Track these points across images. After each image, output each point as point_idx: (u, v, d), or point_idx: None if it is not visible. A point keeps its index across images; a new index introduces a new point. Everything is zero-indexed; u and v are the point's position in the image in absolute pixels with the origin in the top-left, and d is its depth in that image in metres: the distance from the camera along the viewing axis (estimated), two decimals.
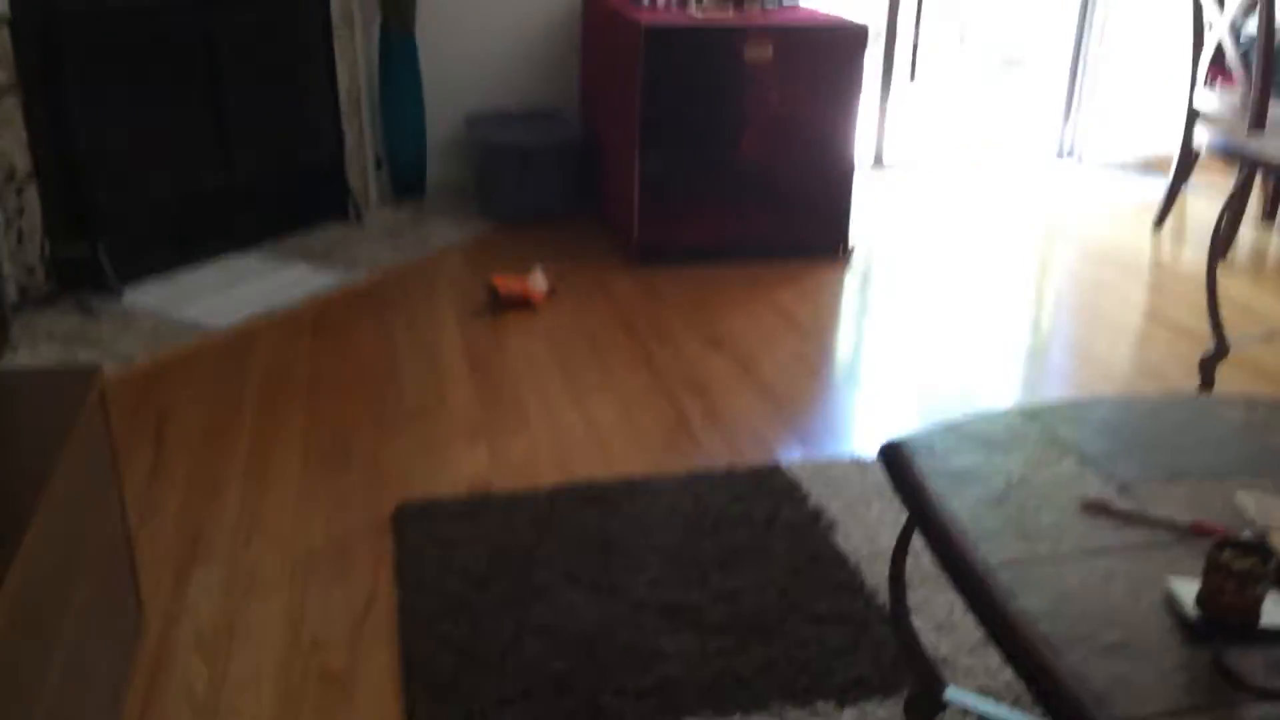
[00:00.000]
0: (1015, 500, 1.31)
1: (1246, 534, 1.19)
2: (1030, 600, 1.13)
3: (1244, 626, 1.06)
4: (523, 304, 3.22)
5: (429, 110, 4.11)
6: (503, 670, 1.77)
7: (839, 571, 2.04)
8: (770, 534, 2.15)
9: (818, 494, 2.29)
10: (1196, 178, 4.13)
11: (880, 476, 2.35)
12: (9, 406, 1.59)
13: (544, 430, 2.57)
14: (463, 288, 3.39)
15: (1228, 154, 2.78)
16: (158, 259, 3.40)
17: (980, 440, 1.45)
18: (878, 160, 4.72)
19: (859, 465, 2.41)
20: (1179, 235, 4.03)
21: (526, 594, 1.96)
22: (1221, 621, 1.07)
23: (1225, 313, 2.75)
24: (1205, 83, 3.76)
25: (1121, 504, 1.30)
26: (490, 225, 3.93)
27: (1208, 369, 2.67)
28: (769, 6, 3.53)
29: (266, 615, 1.93)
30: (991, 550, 1.21)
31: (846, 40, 3.45)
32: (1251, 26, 3.61)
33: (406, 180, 4.16)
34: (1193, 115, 3.85)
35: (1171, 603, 1.13)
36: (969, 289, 3.48)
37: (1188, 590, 1.12)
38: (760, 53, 3.38)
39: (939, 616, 1.90)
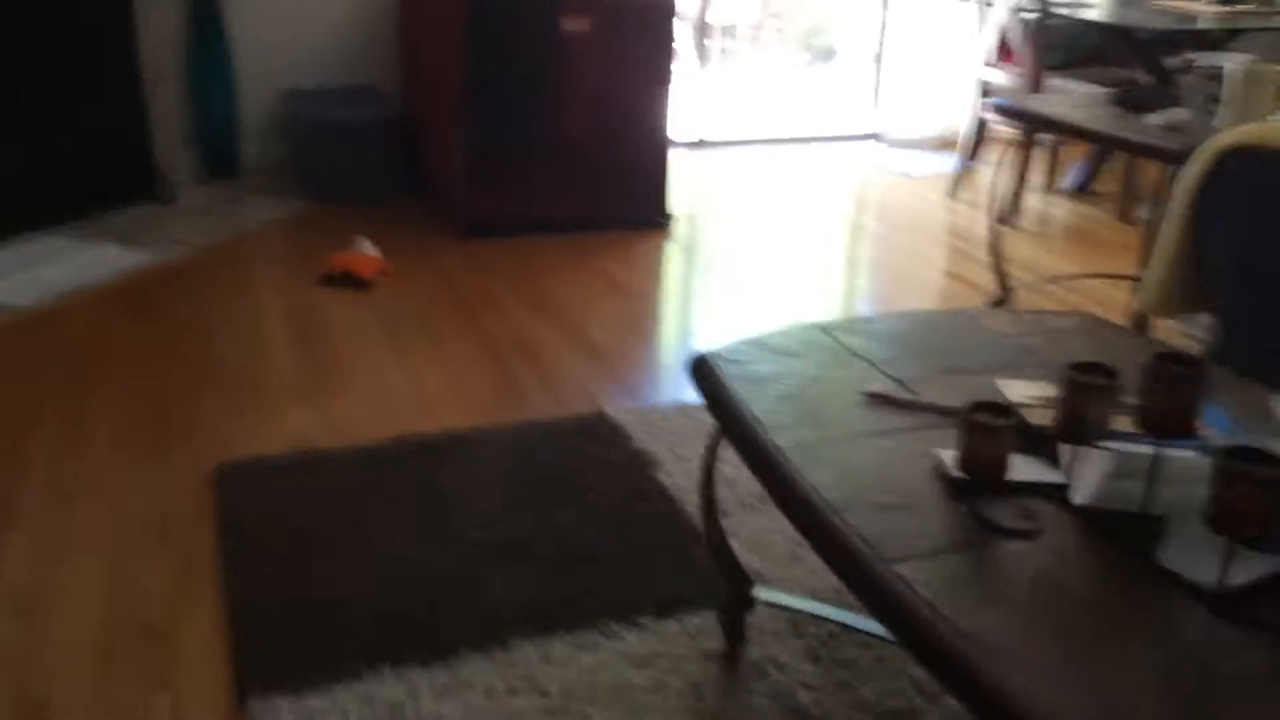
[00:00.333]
0: (808, 396, 1.42)
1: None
2: (817, 474, 1.24)
3: (995, 481, 1.19)
4: (353, 280, 3.18)
5: (242, 86, 4.02)
6: (331, 611, 1.78)
7: (661, 504, 2.13)
8: (596, 475, 2.23)
9: (640, 437, 2.38)
10: (990, 152, 4.44)
11: (702, 419, 2.46)
12: None
13: (370, 393, 2.57)
14: (283, 264, 3.34)
15: (1007, 113, 3.03)
16: None
17: (779, 350, 1.56)
18: (698, 141, 4.88)
19: (681, 409, 2.51)
20: (973, 204, 4.33)
21: (355, 542, 1.97)
22: (978, 478, 1.20)
23: (1011, 270, 2.99)
24: (994, 63, 4.06)
25: (900, 396, 1.43)
26: (310, 204, 3.87)
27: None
28: None
29: (83, 576, 1.88)
30: (785, 437, 1.31)
31: (656, 11, 3.58)
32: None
33: (219, 159, 4.05)
34: (981, 90, 4.14)
35: (938, 468, 1.26)
36: (782, 254, 3.65)
37: (952, 457, 1.25)
38: (577, 24, 3.46)
39: (752, 539, 2.02)
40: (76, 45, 3.52)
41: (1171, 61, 3.52)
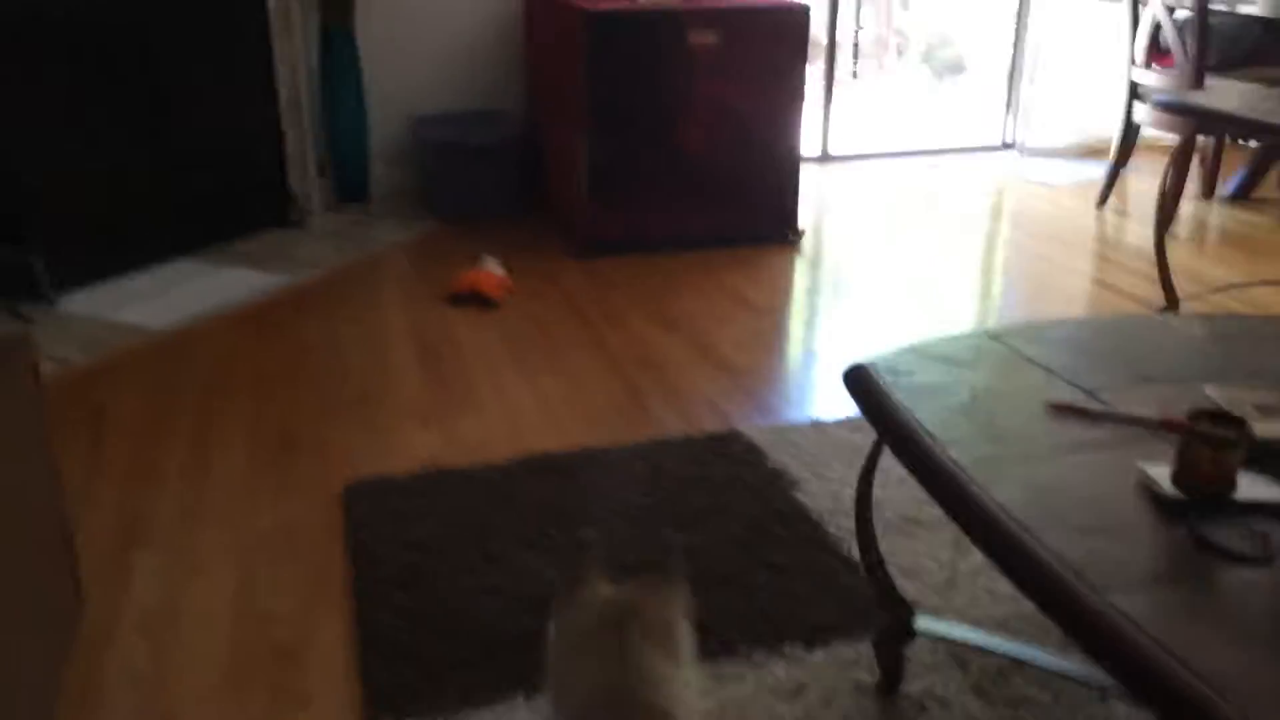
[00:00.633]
0: (983, 407, 1.28)
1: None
2: (1004, 492, 1.10)
3: (1219, 500, 1.04)
4: (480, 299, 3.14)
5: (371, 112, 4.06)
6: (460, 633, 1.71)
7: (802, 525, 2.00)
8: (730, 494, 2.11)
9: (777, 456, 2.25)
10: (1137, 159, 4.19)
11: (842, 437, 2.33)
12: None
13: (495, 410, 2.51)
14: (410, 284, 3.32)
15: (1173, 110, 2.82)
16: (93, 266, 3.29)
17: (943, 359, 1.42)
18: (824, 155, 4.74)
19: (818, 428, 2.38)
20: (1122, 212, 4.08)
21: (482, 561, 1.90)
22: (1197, 496, 1.04)
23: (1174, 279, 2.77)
24: (1144, 65, 3.82)
25: (1089, 406, 1.28)
26: (436, 225, 3.87)
27: None
28: None
29: (213, 595, 1.85)
30: (962, 452, 1.18)
31: (790, 20, 3.46)
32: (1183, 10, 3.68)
33: (350, 184, 4.09)
34: (1133, 92, 3.90)
35: (1146, 485, 1.10)
36: (917, 267, 3.49)
37: (1161, 473, 1.09)
38: (705, 37, 3.37)
39: (905, 563, 1.87)
40: (216, 77, 3.59)
41: None
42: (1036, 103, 4.84)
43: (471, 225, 3.84)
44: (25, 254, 3.07)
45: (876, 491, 1.94)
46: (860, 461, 2.21)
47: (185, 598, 1.83)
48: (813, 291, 3.34)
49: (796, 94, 3.55)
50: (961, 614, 1.71)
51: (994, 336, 1.50)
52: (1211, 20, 3.65)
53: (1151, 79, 3.81)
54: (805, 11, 3.46)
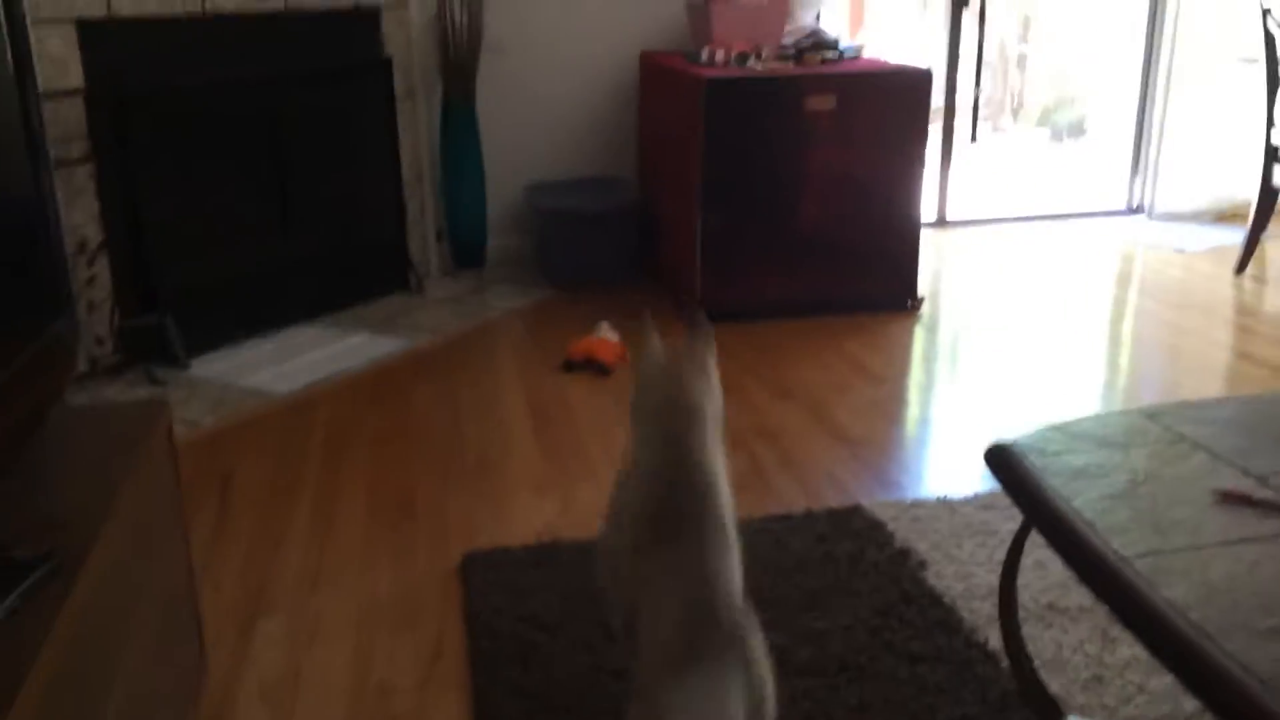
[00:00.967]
0: (1144, 495, 1.20)
1: None
2: (1175, 590, 1.01)
3: None
4: (595, 366, 3.14)
5: (489, 181, 4.14)
6: (577, 714, 1.66)
7: (933, 610, 1.91)
8: (856, 574, 2.03)
9: (903, 534, 2.17)
10: (1277, 224, 4.00)
11: (971, 515, 2.23)
12: (79, 436, 1.55)
13: (611, 480, 2.47)
14: (525, 351, 3.34)
15: None
16: (223, 331, 3.40)
17: (1095, 439, 1.34)
18: (941, 219, 4.66)
19: (946, 505, 2.29)
20: (1261, 279, 3.89)
21: (599, 642, 1.85)
22: None
23: None
24: None
25: (1261, 495, 1.18)
26: (551, 292, 3.90)
27: None
28: (830, 58, 3.52)
29: (332, 664, 1.84)
30: (1124, 544, 1.10)
31: (910, 85, 3.42)
32: None
33: (467, 250, 4.17)
34: (1272, 154, 3.74)
35: None
36: (1042, 336, 3.37)
37: None
38: (823, 102, 3.35)
39: (1046, 654, 1.76)
40: (343, 149, 3.71)
41: None
42: (1166, 165, 4.68)
43: (585, 292, 3.85)
44: (160, 319, 3.19)
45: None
46: (992, 541, 2.14)
47: (306, 666, 1.83)
48: (932, 360, 3.25)
49: (916, 160, 3.49)
50: (1112, 713, 1.59)
51: (1149, 415, 1.41)
52: None
53: None
54: (927, 76, 3.41)
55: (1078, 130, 6.66)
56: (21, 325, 1.41)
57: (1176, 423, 1.36)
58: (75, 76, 2.92)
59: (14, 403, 1.30)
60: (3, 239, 1.39)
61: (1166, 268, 4.08)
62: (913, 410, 2.88)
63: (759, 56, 3.51)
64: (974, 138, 4.71)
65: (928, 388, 3.03)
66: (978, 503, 2.29)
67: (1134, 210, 4.80)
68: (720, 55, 3.56)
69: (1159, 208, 4.71)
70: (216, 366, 3.23)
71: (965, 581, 1.99)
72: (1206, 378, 3.01)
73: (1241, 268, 3.93)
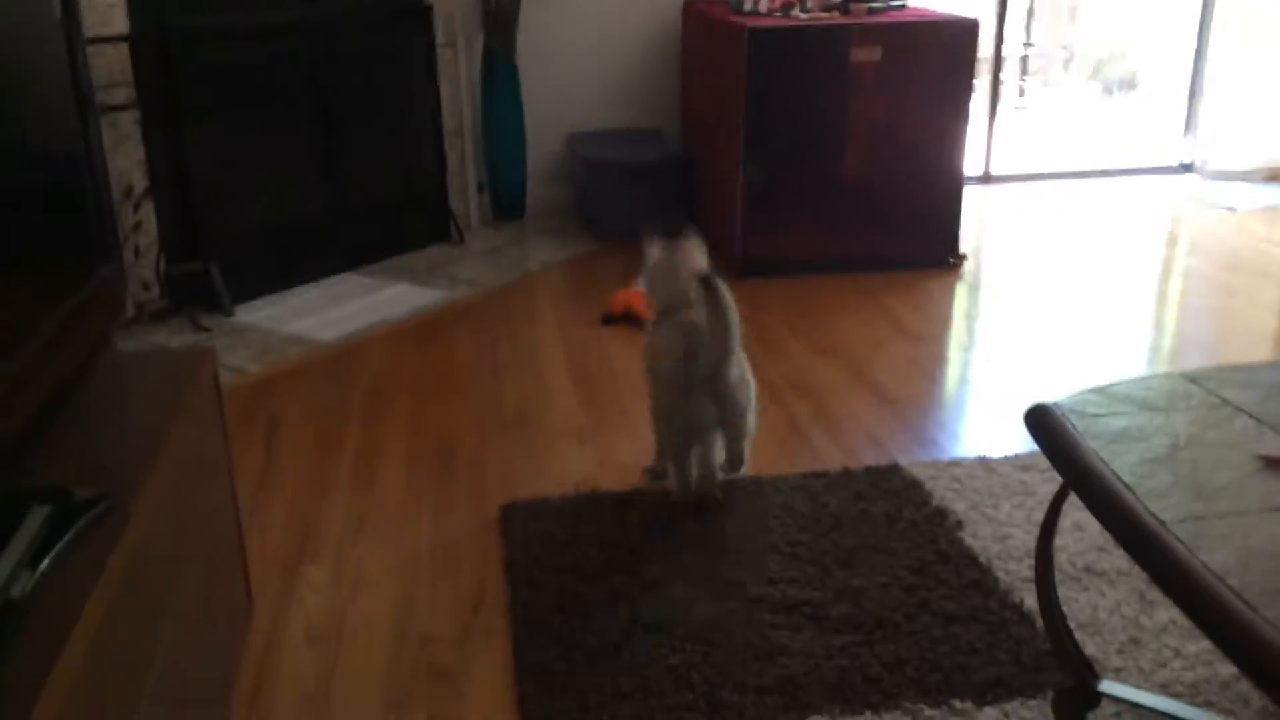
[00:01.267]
0: (1183, 459, 1.19)
1: None
2: (1215, 555, 1.01)
3: None
4: (633, 319, 3.14)
5: (529, 132, 4.12)
6: (617, 665, 1.69)
7: (969, 570, 1.91)
8: (893, 532, 2.04)
9: (941, 493, 2.17)
10: None
11: (1009, 476, 2.23)
12: (127, 381, 1.58)
13: (649, 433, 2.49)
14: (565, 303, 3.36)
15: None
16: (266, 278, 3.44)
17: (1136, 402, 1.33)
18: (986, 174, 4.59)
19: (985, 464, 2.28)
20: None
21: (638, 590, 1.88)
22: None
23: None
24: None
25: None
26: (591, 244, 3.90)
27: None
28: (876, 8, 3.46)
29: (375, 611, 1.88)
30: (1163, 508, 1.09)
31: (957, 35, 3.35)
32: None
33: (507, 202, 4.17)
34: None
35: None
36: (1087, 295, 3.33)
37: None
38: (868, 53, 3.30)
39: (1082, 617, 1.77)
40: (385, 100, 3.72)
41: None
42: (1219, 122, 4.57)
43: (626, 244, 3.84)
44: (205, 265, 3.23)
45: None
46: (1030, 501, 2.13)
47: (350, 614, 1.87)
48: (974, 318, 3.22)
49: (961, 113, 3.44)
50: (1147, 676, 1.60)
51: (1191, 379, 1.40)
52: None
53: None
54: (974, 26, 3.35)
55: (1129, 84, 6.51)
56: (70, 270, 1.44)
57: (1219, 386, 1.35)
58: (120, 22, 2.94)
59: (64, 347, 1.33)
60: (50, 185, 1.41)
61: (1216, 227, 4.01)
62: (952, 369, 2.87)
63: (804, 6, 3.46)
64: (1021, 92, 4.62)
65: (968, 346, 3.01)
66: (1016, 463, 2.28)
67: (1185, 168, 4.71)
68: (764, 4, 3.51)
69: (1210, 165, 4.61)
70: (260, 314, 3.28)
71: (1002, 542, 1.99)
72: (1253, 340, 2.97)
73: None
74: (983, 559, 1.94)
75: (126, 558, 1.15)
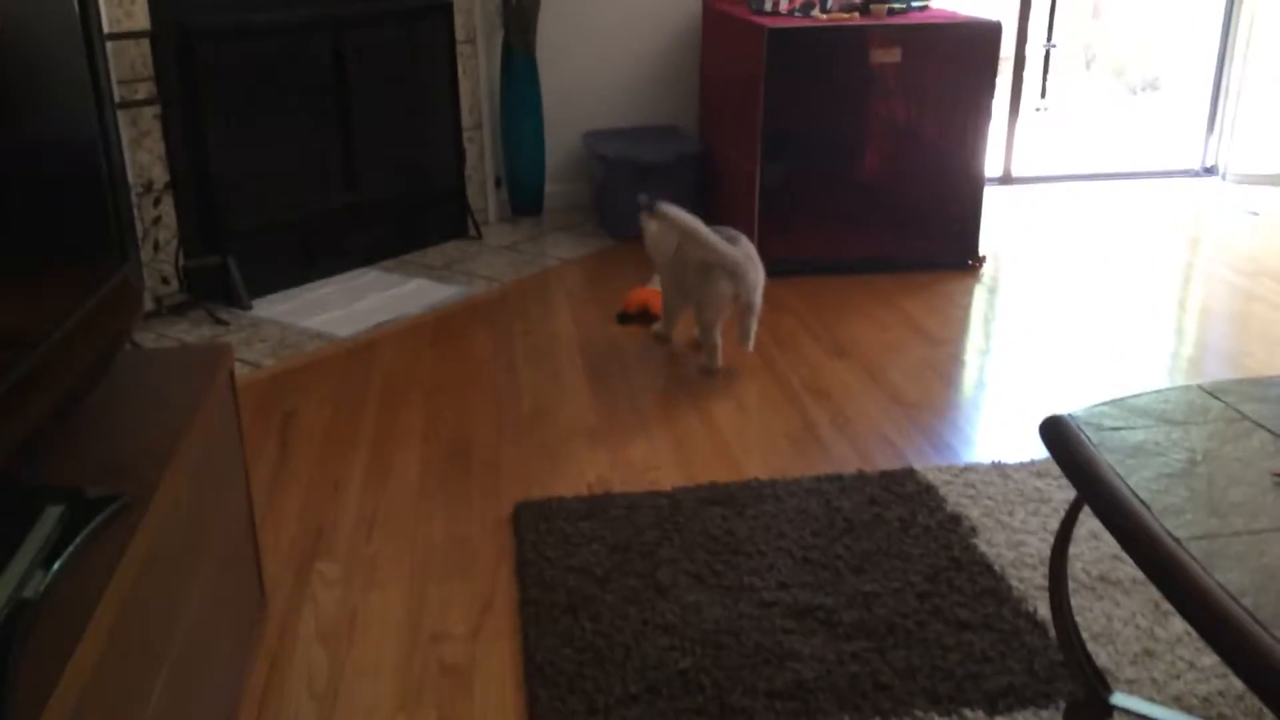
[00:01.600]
0: (1200, 474, 1.18)
1: None
2: (1230, 575, 1.00)
3: None
4: (650, 318, 3.14)
5: (548, 128, 4.13)
6: (626, 667, 1.69)
7: (983, 577, 1.90)
8: (906, 538, 2.03)
9: (955, 499, 2.16)
10: None
11: (1025, 482, 2.22)
12: (144, 379, 1.59)
13: (663, 434, 2.49)
14: (581, 300, 3.36)
15: None
16: (285, 273, 3.46)
17: (1153, 416, 1.32)
18: (1006, 176, 4.57)
19: (1000, 470, 2.27)
20: None
21: (650, 592, 1.88)
22: None
23: None
24: None
25: None
26: (608, 241, 3.90)
27: None
28: (897, 9, 3.44)
29: (387, 609, 1.89)
30: (1179, 525, 1.09)
31: (979, 38, 3.33)
32: None
33: (525, 198, 4.17)
34: None
35: None
36: (1107, 300, 3.30)
37: None
38: (888, 54, 3.29)
39: (1096, 627, 1.76)
40: (404, 95, 3.72)
41: None
42: (1243, 124, 4.53)
43: (642, 243, 3.84)
44: (223, 259, 3.25)
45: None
46: (1045, 509, 2.12)
47: (362, 611, 1.88)
48: (991, 321, 3.21)
49: (983, 115, 3.42)
50: (1160, 688, 1.59)
51: (1210, 392, 1.39)
52: None
53: None
54: (997, 29, 3.33)
55: (1152, 85, 6.46)
56: (88, 271, 1.45)
57: (1239, 400, 1.34)
58: (142, 18, 2.95)
59: (81, 348, 1.34)
60: (69, 186, 1.42)
61: (1240, 232, 3.97)
62: (969, 372, 2.85)
63: (824, 7, 3.44)
64: (1043, 92, 4.59)
65: (985, 350, 3.00)
66: (1032, 469, 2.27)
67: (1207, 171, 4.67)
68: (785, 4, 3.49)
69: (1234, 169, 4.57)
70: (278, 308, 3.29)
71: (1016, 550, 1.98)
72: (1276, 348, 2.94)
73: None
74: (996, 566, 1.93)
75: (140, 557, 1.15)
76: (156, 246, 3.13)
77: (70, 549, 1.07)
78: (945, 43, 3.34)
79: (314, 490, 2.27)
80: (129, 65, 2.95)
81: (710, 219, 3.93)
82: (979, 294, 3.40)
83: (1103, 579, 1.87)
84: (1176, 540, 1.06)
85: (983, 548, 1.99)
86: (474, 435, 2.50)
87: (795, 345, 2.98)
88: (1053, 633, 1.65)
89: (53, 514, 1.10)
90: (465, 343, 3.04)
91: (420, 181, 3.85)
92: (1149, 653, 1.68)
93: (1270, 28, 4.38)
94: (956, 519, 2.09)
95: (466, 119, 3.92)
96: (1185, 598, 1.01)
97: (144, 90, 3.00)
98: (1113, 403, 1.37)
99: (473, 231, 3.96)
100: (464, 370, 2.85)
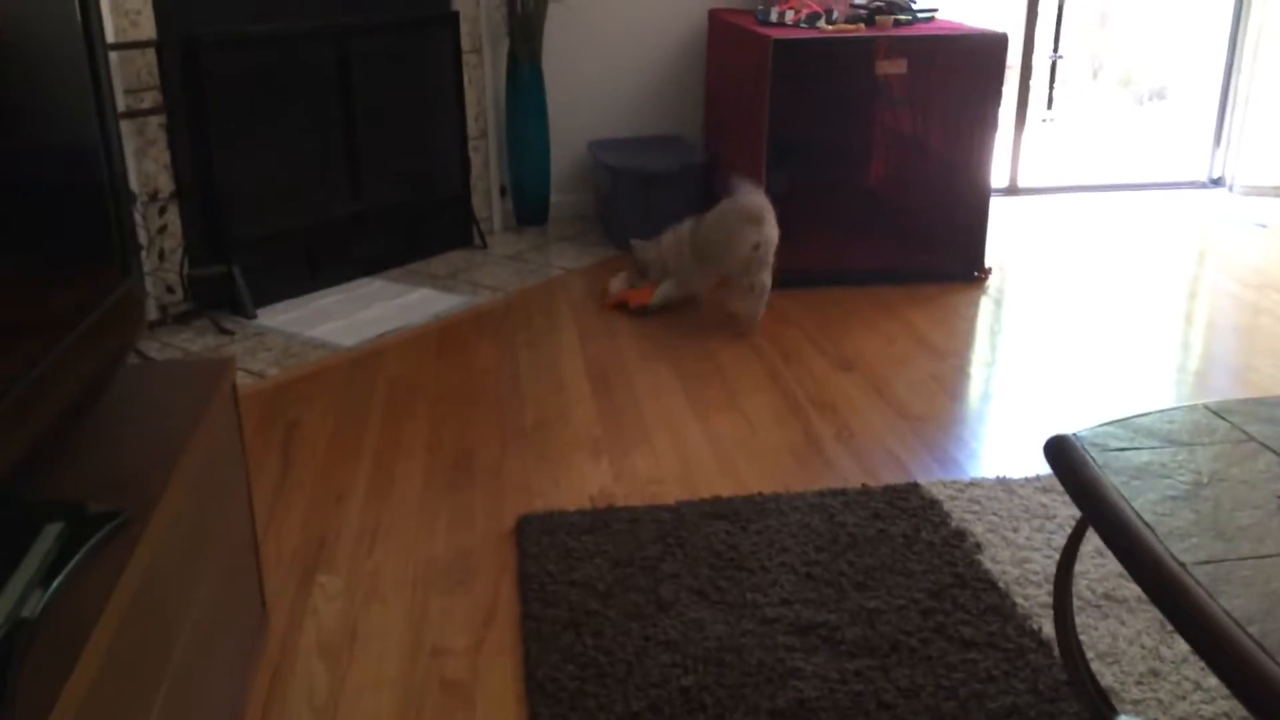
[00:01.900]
0: (1207, 497, 1.17)
1: None
2: (1236, 601, 0.99)
3: None
4: (625, 306, 3.27)
5: (553, 138, 4.13)
6: (628, 684, 1.68)
7: (987, 594, 1.89)
8: (910, 554, 2.02)
9: (960, 515, 2.15)
10: None
11: (1030, 498, 2.20)
12: (146, 392, 1.59)
13: (667, 447, 2.49)
14: (585, 311, 3.35)
15: None
16: (289, 282, 3.46)
17: (1158, 436, 1.31)
18: (1012, 187, 4.56)
19: (1005, 485, 2.26)
20: None
21: (652, 608, 1.87)
22: None
23: None
24: None
25: None
26: (612, 250, 3.90)
27: None
28: (903, 21, 3.44)
29: (388, 622, 1.88)
30: (1184, 549, 1.08)
31: (985, 49, 3.33)
32: None
33: (530, 207, 4.17)
34: None
35: None
36: (1114, 311, 3.29)
37: None
38: (893, 66, 3.28)
39: (1101, 646, 1.74)
40: (410, 104, 3.73)
41: None
42: (1251, 136, 4.52)
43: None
44: (228, 269, 3.25)
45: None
46: (1050, 525, 2.11)
47: (363, 624, 1.87)
48: (997, 334, 3.20)
49: (989, 127, 3.41)
50: (1166, 709, 1.58)
51: (1216, 412, 1.38)
52: None
53: None
54: (1003, 41, 3.32)
55: (1159, 95, 6.45)
56: (90, 286, 1.44)
57: (1244, 420, 1.33)
58: (147, 28, 2.96)
59: (83, 362, 1.34)
60: (71, 200, 1.42)
61: (1248, 245, 3.96)
62: (975, 386, 2.84)
63: (830, 18, 3.44)
64: (1050, 102, 4.59)
65: (991, 364, 2.99)
66: (1037, 484, 2.26)
67: (1215, 182, 4.66)
68: (790, 15, 3.49)
69: (1241, 181, 4.56)
70: (282, 317, 3.29)
71: (1021, 567, 1.97)
72: None
73: None
74: (1001, 583, 1.92)
75: (140, 572, 1.15)
76: (162, 255, 3.13)
77: (69, 567, 1.07)
78: (951, 54, 3.34)
79: (316, 501, 2.27)
80: (135, 75, 2.95)
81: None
82: (985, 306, 3.39)
83: (1108, 597, 1.86)
84: (1182, 565, 1.05)
85: (987, 564, 1.98)
86: (478, 446, 2.49)
87: (800, 358, 2.98)
88: (1058, 651, 1.64)
89: (52, 531, 1.09)
90: (469, 353, 3.03)
91: (425, 191, 3.85)
92: (1155, 673, 1.67)
93: (1278, 38, 4.37)
94: (961, 535, 2.08)
95: (472, 128, 3.92)
96: (1190, 624, 1.00)
97: (150, 100, 3.01)
98: (1118, 422, 1.36)
99: (478, 241, 3.96)
100: (468, 380, 2.85)
